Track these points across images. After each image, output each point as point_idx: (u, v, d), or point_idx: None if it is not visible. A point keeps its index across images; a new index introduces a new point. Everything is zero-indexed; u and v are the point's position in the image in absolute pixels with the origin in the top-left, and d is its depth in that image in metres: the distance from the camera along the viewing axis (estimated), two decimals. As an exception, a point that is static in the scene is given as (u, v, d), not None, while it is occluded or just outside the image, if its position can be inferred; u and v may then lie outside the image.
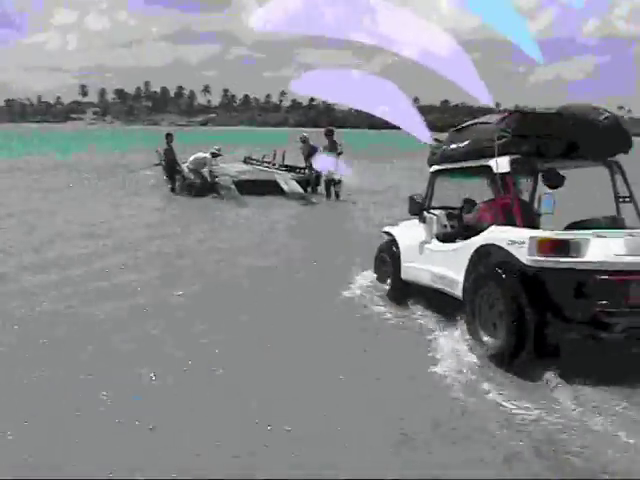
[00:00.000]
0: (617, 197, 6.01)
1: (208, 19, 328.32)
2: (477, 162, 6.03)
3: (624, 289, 4.86)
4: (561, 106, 6.14)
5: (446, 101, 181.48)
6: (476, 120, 6.49)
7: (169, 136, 17.92)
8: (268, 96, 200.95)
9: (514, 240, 5.16)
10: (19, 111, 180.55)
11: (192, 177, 16.88)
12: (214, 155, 17.24)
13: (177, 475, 3.38)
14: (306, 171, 17.26)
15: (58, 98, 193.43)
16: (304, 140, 17.32)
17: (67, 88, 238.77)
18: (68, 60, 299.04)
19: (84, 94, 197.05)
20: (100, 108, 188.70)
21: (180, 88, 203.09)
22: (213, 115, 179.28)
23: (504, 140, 5.68)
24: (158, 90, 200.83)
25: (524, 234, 5.11)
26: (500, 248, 5.31)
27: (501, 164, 5.66)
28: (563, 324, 4.98)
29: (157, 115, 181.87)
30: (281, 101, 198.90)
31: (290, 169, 18.38)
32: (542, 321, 4.96)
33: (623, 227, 5.65)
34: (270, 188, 16.40)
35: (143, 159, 23.30)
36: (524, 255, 5.01)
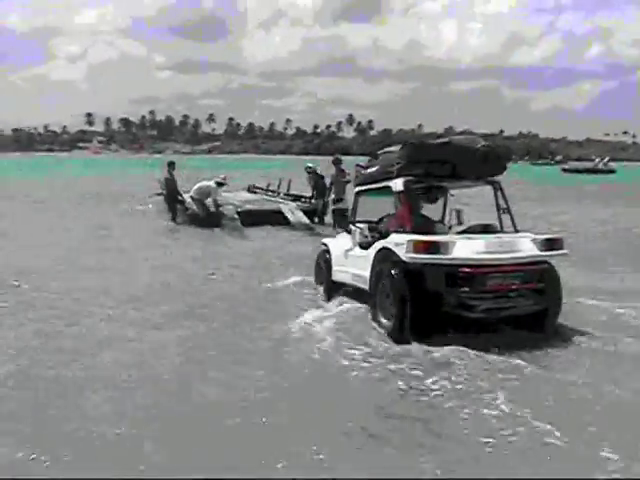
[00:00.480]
0: (498, 209, 7.53)
1: (209, 48, 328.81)
2: (383, 183, 7.49)
3: (483, 279, 6.32)
4: (449, 137, 7.78)
5: (450, 127, 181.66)
6: (385, 149, 7.94)
7: (171, 164, 17.50)
8: (272, 124, 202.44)
9: (398, 243, 6.56)
10: (26, 140, 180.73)
11: (194, 207, 16.26)
12: (219, 184, 16.55)
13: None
14: (313, 200, 16.93)
15: (64, 127, 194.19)
16: (310, 171, 17.06)
17: (73, 117, 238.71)
18: (73, 90, 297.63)
19: (90, 123, 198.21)
20: (106, 137, 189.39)
21: (185, 117, 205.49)
22: (217, 143, 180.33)
23: (399, 165, 7.19)
24: (163, 119, 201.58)
25: (405, 238, 6.48)
26: (390, 250, 6.67)
27: (397, 184, 7.16)
28: (438, 307, 6.30)
29: (162, 143, 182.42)
30: (285, 129, 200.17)
31: (295, 198, 17.92)
32: (421, 305, 6.26)
33: (493, 232, 7.16)
34: (275, 218, 15.83)
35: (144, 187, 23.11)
36: (404, 254, 6.35)
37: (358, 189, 8.44)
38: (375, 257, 7.08)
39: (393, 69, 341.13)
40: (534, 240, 6.84)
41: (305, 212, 16.20)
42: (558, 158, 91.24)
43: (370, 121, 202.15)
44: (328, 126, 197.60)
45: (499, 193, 7.62)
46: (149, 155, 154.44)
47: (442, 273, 6.37)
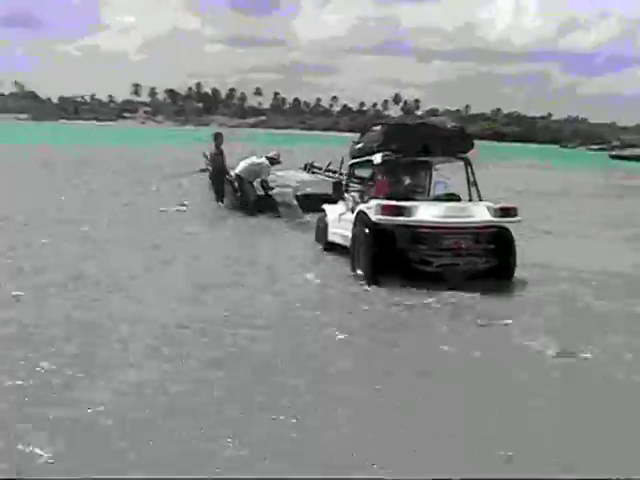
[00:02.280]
0: (468, 182, 9.13)
1: (261, 23, 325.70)
2: (367, 157, 9.11)
3: (439, 238, 7.92)
4: (423, 119, 12.77)
5: (498, 109, 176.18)
6: (370, 128, 9.53)
7: (219, 136, 15.09)
8: (318, 100, 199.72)
9: (370, 207, 8.05)
10: (72, 108, 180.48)
11: (246, 189, 13.74)
12: (272, 162, 13.53)
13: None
14: None
15: (111, 97, 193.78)
16: None
17: (120, 88, 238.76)
18: (124, 61, 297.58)
19: (136, 93, 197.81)
20: (151, 107, 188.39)
21: (231, 90, 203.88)
22: (263, 117, 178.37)
23: (379, 142, 8.87)
24: (209, 91, 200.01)
25: (375, 202, 8.04)
26: (364, 213, 8.16)
27: (376, 158, 8.83)
28: (403, 261, 7.84)
29: (207, 116, 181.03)
30: (331, 105, 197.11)
31: (361, 180, 15.05)
32: (387, 258, 7.84)
33: (457, 200, 8.83)
34: None
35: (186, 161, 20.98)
36: (374, 216, 7.87)
37: (351, 162, 10.14)
38: (355, 219, 8.49)
39: (444, 50, 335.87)
40: (489, 208, 8.22)
41: None
42: (616, 143, 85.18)
43: (417, 100, 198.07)
44: (374, 104, 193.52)
45: (469, 168, 9.11)
46: (194, 127, 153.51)
47: (407, 232, 7.80)
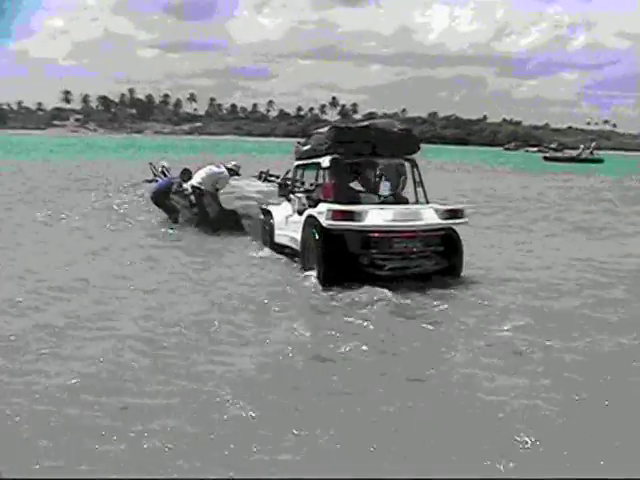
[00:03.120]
0: (415, 183, 9.21)
1: (196, 27, 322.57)
2: (314, 160, 9.21)
3: (389, 243, 8.01)
4: (369, 122, 9.60)
5: (435, 113, 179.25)
6: (316, 131, 9.77)
7: (186, 172, 13.57)
8: (255, 105, 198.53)
9: (320, 211, 8.08)
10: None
11: (205, 203, 12.40)
12: (231, 173, 12.90)
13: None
14: None
15: (39, 104, 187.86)
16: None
17: (50, 94, 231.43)
18: (53, 68, 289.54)
19: (67, 100, 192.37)
20: (83, 115, 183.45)
21: (165, 96, 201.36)
22: (199, 124, 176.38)
23: (326, 145, 8.90)
24: (143, 97, 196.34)
25: (326, 207, 8.02)
26: (314, 217, 8.20)
27: (324, 161, 8.87)
28: (355, 265, 7.89)
29: (142, 123, 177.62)
30: (268, 111, 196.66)
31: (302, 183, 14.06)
32: (339, 263, 7.87)
33: (405, 203, 9.10)
34: None
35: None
36: (324, 220, 7.89)
37: (297, 163, 10.10)
38: (304, 223, 8.59)
39: (381, 54, 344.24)
40: (437, 210, 8.44)
41: None
42: (553, 145, 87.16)
43: (354, 104, 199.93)
44: (311, 109, 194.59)
45: (415, 169, 9.19)
46: (128, 135, 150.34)
47: (358, 237, 7.94)
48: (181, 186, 12.80)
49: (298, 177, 10.08)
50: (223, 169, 12.77)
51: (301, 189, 9.80)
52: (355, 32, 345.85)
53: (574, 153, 67.11)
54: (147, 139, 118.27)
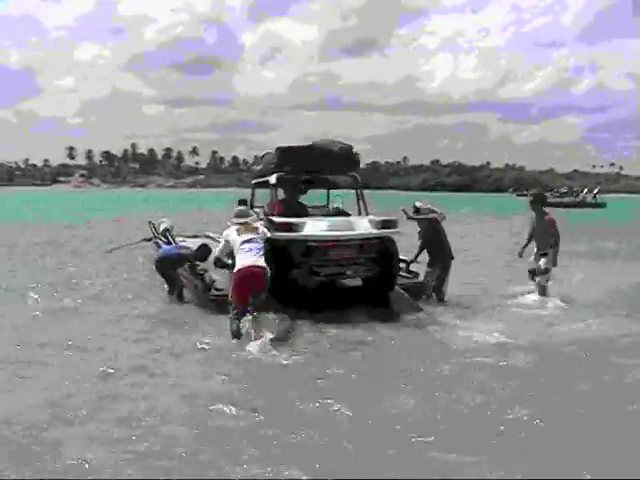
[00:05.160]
0: (357, 196, 10.06)
1: (202, 83, 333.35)
2: (265, 178, 9.90)
3: (326, 251, 8.74)
4: (312, 142, 10.02)
5: (437, 160, 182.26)
6: (267, 152, 10.32)
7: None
8: (257, 157, 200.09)
9: (266, 225, 8.72)
10: (6, 175, 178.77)
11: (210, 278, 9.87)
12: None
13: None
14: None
15: (46, 161, 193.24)
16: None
17: (56, 151, 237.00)
18: (61, 126, 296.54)
19: (72, 157, 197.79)
20: (87, 170, 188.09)
21: (168, 150, 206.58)
22: (201, 177, 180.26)
23: (273, 164, 9.65)
24: (145, 152, 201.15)
25: (271, 220, 8.88)
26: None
27: (272, 179, 9.62)
28: (296, 272, 8.67)
29: (145, 177, 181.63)
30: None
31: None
32: (284, 271, 8.46)
33: (344, 214, 9.94)
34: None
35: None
36: (270, 232, 8.43)
37: (253, 182, 10.83)
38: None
39: (384, 103, 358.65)
40: (371, 221, 9.16)
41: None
42: (564, 190, 79.41)
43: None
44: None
45: (358, 185, 10.19)
46: (131, 189, 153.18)
47: (299, 246, 8.68)
48: (194, 267, 10.22)
49: (254, 196, 10.51)
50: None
51: (257, 206, 10.26)
52: (359, 82, 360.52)
53: (578, 198, 63.15)
54: (150, 192, 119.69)
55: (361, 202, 10.03)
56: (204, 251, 10.10)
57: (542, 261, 10.12)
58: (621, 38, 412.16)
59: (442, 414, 5.38)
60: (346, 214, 10.05)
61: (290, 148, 9.79)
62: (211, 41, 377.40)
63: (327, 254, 8.81)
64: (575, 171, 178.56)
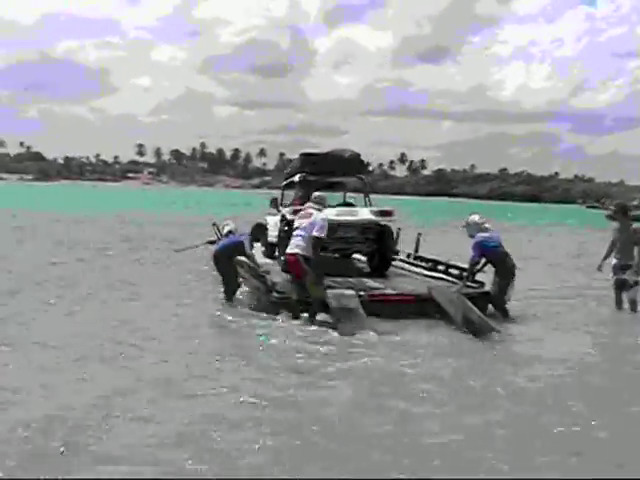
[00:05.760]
0: (364, 195, 12.54)
1: (275, 86, 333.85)
2: (292, 178, 12.59)
3: (335, 230, 10.49)
4: (329, 150, 12.86)
5: (505, 169, 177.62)
6: (295, 158, 13.14)
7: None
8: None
9: (288, 211, 11.11)
10: (77, 169, 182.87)
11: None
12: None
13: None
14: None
15: (116, 157, 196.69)
16: None
17: (126, 148, 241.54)
18: (132, 122, 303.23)
19: (141, 154, 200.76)
20: (156, 168, 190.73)
21: (236, 150, 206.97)
22: (268, 178, 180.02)
23: (297, 167, 12.34)
24: (214, 151, 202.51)
25: (290, 208, 11.24)
26: (284, 215, 11.29)
27: (295, 178, 12.29)
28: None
29: (212, 176, 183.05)
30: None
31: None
32: None
33: (352, 206, 12.38)
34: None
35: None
36: (289, 216, 10.76)
37: (283, 183, 13.44)
38: (280, 220, 11.68)
39: (454, 111, 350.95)
40: (372, 211, 11.49)
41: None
42: (636, 202, 77.09)
43: (422, 160, 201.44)
44: (380, 164, 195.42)
45: (365, 184, 12.69)
46: (199, 187, 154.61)
47: None
48: (253, 244, 10.86)
49: (283, 196, 13.20)
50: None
51: (286, 202, 12.89)
52: (430, 89, 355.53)
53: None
54: (217, 191, 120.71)
55: (367, 199, 12.49)
56: (259, 229, 13.69)
57: (627, 273, 9.85)
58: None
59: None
60: (353, 206, 12.45)
61: (310, 154, 12.33)
62: (285, 45, 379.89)
63: (335, 233, 10.71)
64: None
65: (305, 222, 8.88)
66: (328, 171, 12.10)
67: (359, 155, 12.57)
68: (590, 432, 5.04)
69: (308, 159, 12.13)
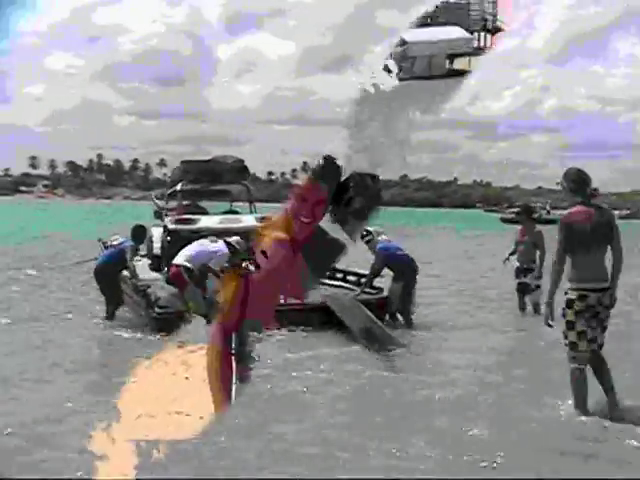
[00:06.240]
0: (249, 201, 13.25)
1: (175, 96, 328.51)
2: (174, 187, 12.35)
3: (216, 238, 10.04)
4: (211, 156, 12.93)
5: (405, 175, 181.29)
6: (177, 166, 13.38)
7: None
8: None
9: (169, 222, 11.39)
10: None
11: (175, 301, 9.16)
12: (232, 251, 8.40)
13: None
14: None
15: (7, 170, 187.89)
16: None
17: (19, 160, 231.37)
18: (25, 134, 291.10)
19: (34, 166, 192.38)
20: (51, 180, 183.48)
21: (135, 161, 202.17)
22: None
23: (179, 176, 12.51)
24: (111, 163, 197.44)
25: (172, 218, 11.57)
26: (166, 225, 11.50)
27: (177, 187, 12.25)
28: None
29: (111, 189, 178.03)
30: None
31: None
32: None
33: (236, 213, 12.98)
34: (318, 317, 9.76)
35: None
36: (170, 225, 11.23)
37: (167, 192, 13.11)
38: (162, 230, 11.74)
39: None
40: (255, 217, 11.47)
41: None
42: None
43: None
44: (282, 173, 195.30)
45: (248, 191, 13.15)
46: (96, 201, 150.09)
47: (196, 237, 10.01)
48: (137, 251, 10.66)
49: (168, 204, 13.17)
50: (220, 245, 9.04)
51: (170, 211, 12.76)
52: (332, 98, 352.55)
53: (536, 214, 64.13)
54: (115, 203, 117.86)
55: (252, 206, 13.10)
56: (139, 231, 10.64)
57: (529, 277, 10.12)
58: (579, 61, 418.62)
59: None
60: (237, 213, 12.87)
61: (192, 162, 12.73)
62: (186, 53, 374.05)
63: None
64: (540, 188, 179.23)
65: (211, 245, 9.03)
66: (211, 179, 12.26)
67: (243, 161, 12.55)
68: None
69: (189, 167, 12.32)
